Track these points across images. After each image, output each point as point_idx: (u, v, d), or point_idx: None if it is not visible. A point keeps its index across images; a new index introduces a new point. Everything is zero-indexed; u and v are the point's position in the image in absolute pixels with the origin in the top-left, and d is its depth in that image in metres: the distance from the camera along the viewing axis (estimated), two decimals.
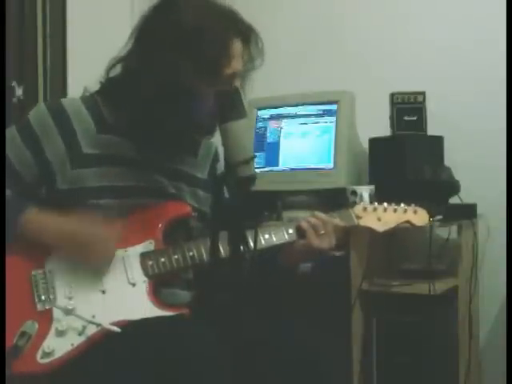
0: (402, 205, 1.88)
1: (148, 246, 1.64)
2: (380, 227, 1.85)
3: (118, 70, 1.68)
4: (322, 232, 1.70)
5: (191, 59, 1.57)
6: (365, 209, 1.85)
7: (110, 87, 1.69)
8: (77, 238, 1.58)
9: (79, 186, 1.62)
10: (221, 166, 1.74)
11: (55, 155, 1.62)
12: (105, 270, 1.59)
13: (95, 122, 1.66)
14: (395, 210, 1.87)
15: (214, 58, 1.57)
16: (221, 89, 1.53)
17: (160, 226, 1.66)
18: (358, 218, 1.83)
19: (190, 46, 1.57)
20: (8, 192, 1.60)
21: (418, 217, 1.90)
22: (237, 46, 1.62)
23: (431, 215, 1.96)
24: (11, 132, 1.65)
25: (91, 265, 1.59)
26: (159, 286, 1.63)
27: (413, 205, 1.90)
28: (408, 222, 1.89)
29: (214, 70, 1.58)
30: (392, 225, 1.86)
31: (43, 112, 1.65)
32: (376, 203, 1.87)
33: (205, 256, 1.62)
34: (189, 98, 1.60)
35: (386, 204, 1.87)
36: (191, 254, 1.63)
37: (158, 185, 1.69)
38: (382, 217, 1.85)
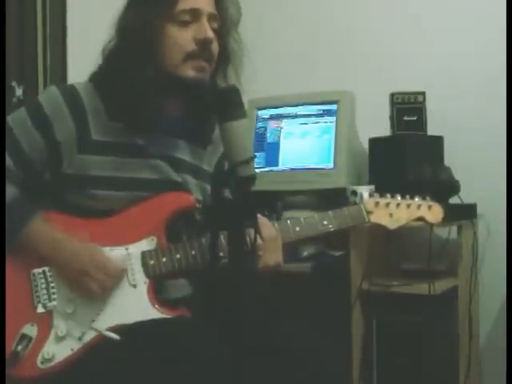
0: (417, 199, 1.81)
1: (150, 243, 1.60)
2: (391, 224, 1.78)
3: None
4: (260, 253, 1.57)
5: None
6: (377, 203, 1.77)
7: (105, 77, 1.65)
8: (71, 266, 1.55)
9: (83, 173, 1.58)
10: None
11: (65, 138, 1.58)
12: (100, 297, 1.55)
13: (106, 109, 1.62)
14: (408, 206, 1.79)
15: None
16: (194, 31, 1.58)
17: (162, 220, 1.62)
18: (369, 213, 1.76)
19: None
20: (14, 191, 1.56)
21: (432, 213, 1.82)
22: None
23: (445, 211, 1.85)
24: (21, 115, 1.61)
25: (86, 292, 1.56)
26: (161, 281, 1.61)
27: (428, 198, 1.82)
28: (421, 218, 1.81)
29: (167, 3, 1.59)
30: (404, 221, 1.79)
31: (55, 95, 1.60)
32: (389, 195, 1.79)
33: (207, 256, 1.58)
34: (161, 37, 1.60)
35: (399, 198, 1.79)
36: (193, 252, 1.59)
37: (163, 176, 1.65)
38: (394, 213, 1.77)
